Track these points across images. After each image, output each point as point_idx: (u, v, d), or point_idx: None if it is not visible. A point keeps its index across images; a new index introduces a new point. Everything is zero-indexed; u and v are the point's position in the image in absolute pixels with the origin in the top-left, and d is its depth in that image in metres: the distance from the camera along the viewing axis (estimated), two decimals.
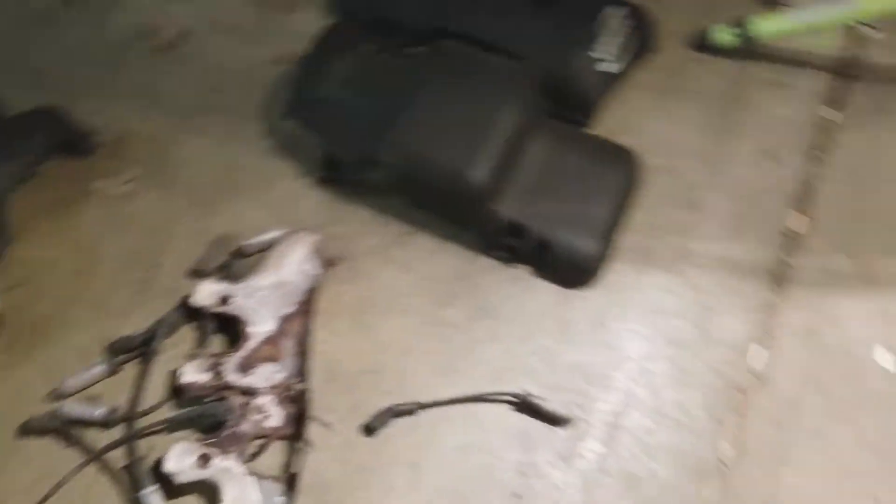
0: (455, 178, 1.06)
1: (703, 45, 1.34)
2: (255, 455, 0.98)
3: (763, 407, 1.04)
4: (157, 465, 0.94)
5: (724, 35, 1.32)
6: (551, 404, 1.02)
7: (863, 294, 1.12)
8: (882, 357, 1.08)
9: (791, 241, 1.17)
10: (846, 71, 1.35)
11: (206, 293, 1.04)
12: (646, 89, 1.30)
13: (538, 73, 1.15)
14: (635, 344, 1.09)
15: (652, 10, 1.32)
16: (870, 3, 1.23)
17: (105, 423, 1.00)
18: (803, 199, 1.20)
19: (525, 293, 1.12)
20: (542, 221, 1.10)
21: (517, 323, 1.10)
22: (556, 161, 1.14)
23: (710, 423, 1.03)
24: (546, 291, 1.12)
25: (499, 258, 1.13)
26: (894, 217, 1.19)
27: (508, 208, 1.10)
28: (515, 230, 1.10)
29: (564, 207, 1.11)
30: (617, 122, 1.25)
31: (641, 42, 1.30)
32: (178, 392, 1.02)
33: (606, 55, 1.21)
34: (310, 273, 1.07)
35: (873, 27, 1.38)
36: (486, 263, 1.14)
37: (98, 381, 1.05)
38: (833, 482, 0.99)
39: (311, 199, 1.19)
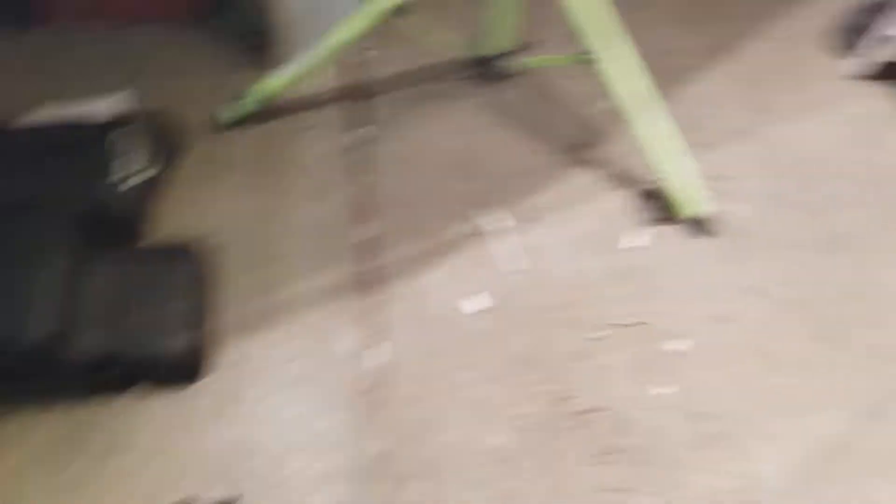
0: (15, 345, 1.03)
1: (226, 124, 1.46)
2: None
3: (400, 393, 1.14)
4: None
5: (237, 109, 1.44)
6: (214, 494, 1.02)
7: (436, 264, 1.29)
8: (466, 305, 1.24)
9: (367, 248, 1.30)
10: (361, 92, 1.55)
11: None
12: (192, 181, 1.37)
13: (67, 215, 1.16)
14: (271, 398, 1.13)
15: (169, 112, 1.41)
16: (336, 37, 1.41)
17: None
18: (366, 210, 1.35)
19: (147, 411, 1.10)
20: (128, 341, 1.10)
21: (149, 442, 1.07)
22: (120, 283, 1.15)
23: (363, 429, 1.10)
24: (168, 398, 1.12)
25: (105, 393, 1.11)
26: (440, 188, 1.39)
27: (90, 345, 1.08)
28: (105, 361, 1.08)
29: (143, 319, 1.12)
30: (174, 221, 1.31)
31: (169, 143, 1.37)
32: None
33: (129, 172, 1.26)
34: None
35: (367, 48, 1.60)
36: (96, 405, 1.10)
37: None
38: (474, 420, 1.11)
39: None
